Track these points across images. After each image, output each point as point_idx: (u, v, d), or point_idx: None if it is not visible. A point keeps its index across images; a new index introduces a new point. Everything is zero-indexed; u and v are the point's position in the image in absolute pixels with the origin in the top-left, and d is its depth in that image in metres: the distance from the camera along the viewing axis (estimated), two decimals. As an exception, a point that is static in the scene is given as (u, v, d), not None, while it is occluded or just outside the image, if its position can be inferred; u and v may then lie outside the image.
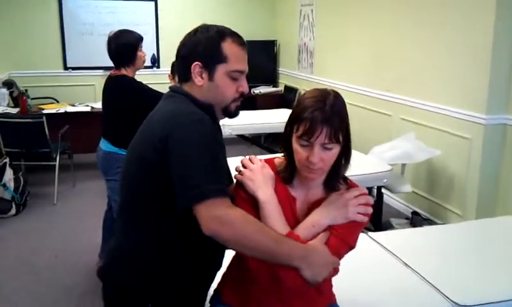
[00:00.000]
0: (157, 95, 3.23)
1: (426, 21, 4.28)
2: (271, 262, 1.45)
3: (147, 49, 3.34)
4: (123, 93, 3.20)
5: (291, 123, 1.49)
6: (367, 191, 1.56)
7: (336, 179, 1.56)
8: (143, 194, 1.53)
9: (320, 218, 1.51)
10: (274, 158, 1.64)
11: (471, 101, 3.82)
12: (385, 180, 3.79)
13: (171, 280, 1.56)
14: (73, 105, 6.05)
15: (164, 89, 3.18)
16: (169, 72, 3.45)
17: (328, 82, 6.02)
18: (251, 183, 1.52)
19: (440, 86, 4.17)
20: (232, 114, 1.63)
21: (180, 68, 1.62)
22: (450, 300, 1.95)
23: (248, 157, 1.63)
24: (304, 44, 6.68)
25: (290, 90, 7.17)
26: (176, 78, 3.25)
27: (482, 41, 3.67)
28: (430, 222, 4.24)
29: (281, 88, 7.51)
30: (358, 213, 1.50)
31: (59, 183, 5.07)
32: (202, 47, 1.55)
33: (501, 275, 2.18)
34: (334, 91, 1.49)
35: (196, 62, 1.54)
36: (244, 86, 1.60)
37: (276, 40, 7.60)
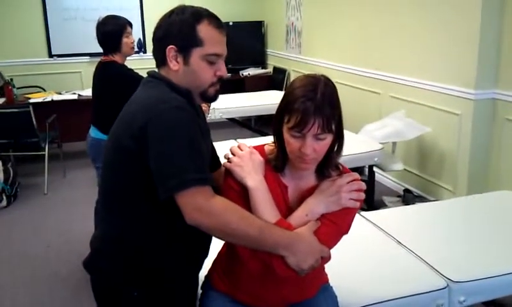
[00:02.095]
0: None
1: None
2: (257, 249, 1.44)
3: (133, 34, 3.29)
4: (111, 80, 3.16)
5: (281, 112, 1.45)
6: (359, 176, 1.55)
7: (328, 167, 1.53)
8: (124, 182, 1.50)
9: (313, 207, 1.49)
10: (264, 145, 1.61)
11: (460, 76, 3.82)
12: (376, 159, 3.80)
13: (155, 267, 1.55)
14: (60, 93, 5.97)
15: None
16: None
17: (317, 62, 6.00)
18: (239, 169, 1.50)
19: (428, 63, 4.16)
20: (211, 99, 1.59)
21: (156, 52, 1.57)
22: (446, 277, 1.97)
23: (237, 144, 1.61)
24: (292, 24, 6.62)
25: (279, 71, 7.12)
26: None
27: (470, 16, 3.65)
28: (422, 199, 4.26)
29: (270, 69, 7.46)
30: (351, 199, 1.49)
31: (49, 173, 5.01)
32: (177, 29, 1.50)
33: (494, 250, 2.19)
34: (324, 77, 1.45)
35: (171, 46, 1.50)
36: (221, 70, 1.55)
37: (263, 21, 7.53)
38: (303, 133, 1.39)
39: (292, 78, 6.83)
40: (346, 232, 1.54)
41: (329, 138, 1.43)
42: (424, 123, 4.08)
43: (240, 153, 1.53)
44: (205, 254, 1.66)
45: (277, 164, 1.53)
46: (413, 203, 4.13)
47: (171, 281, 1.58)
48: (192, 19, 1.50)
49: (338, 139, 1.48)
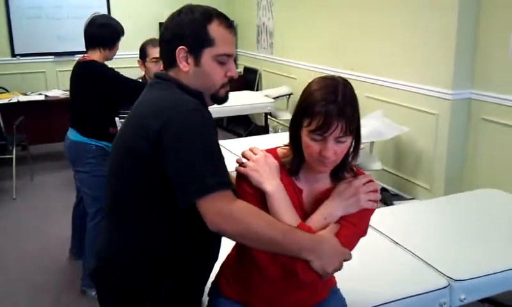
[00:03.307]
0: (130, 83, 3.13)
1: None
2: (279, 254, 1.40)
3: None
4: (92, 79, 3.06)
5: (300, 116, 1.41)
6: (372, 177, 1.54)
7: (344, 169, 1.50)
8: (136, 189, 1.44)
9: (332, 209, 1.46)
10: (276, 148, 1.57)
11: (437, 77, 3.89)
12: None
13: (168, 276, 1.50)
14: (26, 94, 5.76)
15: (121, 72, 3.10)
16: (138, 57, 3.32)
17: (289, 62, 6.02)
18: (256, 174, 1.44)
19: (405, 63, 4.22)
20: (221, 100, 1.55)
21: (164, 53, 1.52)
22: (447, 276, 1.98)
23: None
24: (263, 24, 6.61)
25: (251, 71, 7.10)
26: (150, 64, 3.13)
27: (447, 17, 3.72)
28: (399, 197, 4.33)
29: (240, 70, 7.42)
30: (369, 200, 1.47)
31: (16, 177, 4.82)
32: (187, 29, 1.46)
33: (488, 247, 2.22)
34: (342, 79, 1.43)
35: (181, 47, 1.45)
36: (232, 70, 1.52)
37: (233, 21, 7.43)
38: (325, 136, 1.36)
39: (263, 78, 6.82)
40: (364, 234, 1.53)
41: (348, 140, 1.41)
42: (401, 123, 4.14)
43: (254, 157, 1.48)
44: (216, 259, 1.62)
45: (292, 167, 1.50)
46: (391, 202, 4.19)
47: (185, 289, 1.54)
48: (203, 19, 1.46)
49: (356, 141, 1.47)
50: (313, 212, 1.49)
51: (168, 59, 1.50)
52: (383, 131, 4.07)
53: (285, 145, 1.55)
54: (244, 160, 1.51)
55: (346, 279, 1.84)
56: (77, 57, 6.54)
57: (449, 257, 2.14)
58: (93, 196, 3.12)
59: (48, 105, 5.56)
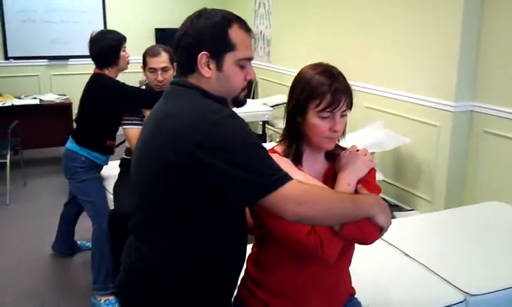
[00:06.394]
0: (146, 93, 3.10)
1: (393, 8, 4.31)
2: (349, 221, 1.43)
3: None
4: (102, 90, 3.09)
5: (305, 101, 1.51)
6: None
7: (336, 145, 1.62)
8: (172, 202, 1.40)
9: (349, 177, 1.54)
10: (273, 147, 1.64)
11: (440, 89, 3.88)
12: (360, 169, 3.79)
13: (204, 290, 1.48)
14: (19, 98, 5.69)
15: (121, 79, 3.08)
16: (142, 64, 3.27)
17: (287, 71, 5.99)
18: None
19: (407, 74, 4.21)
20: (241, 103, 1.56)
21: (183, 59, 1.48)
22: (462, 291, 1.96)
23: None
24: (261, 32, 6.59)
25: (247, 79, 7.05)
26: (148, 73, 3.11)
27: (451, 29, 3.72)
28: (399, 208, 4.31)
29: (236, 77, 7.38)
30: (370, 160, 1.61)
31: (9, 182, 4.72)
32: (208, 35, 1.43)
33: (501, 261, 2.21)
34: (325, 63, 1.59)
35: (203, 52, 1.43)
36: (251, 74, 1.53)
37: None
38: (334, 113, 1.49)
39: (260, 87, 6.79)
40: (381, 190, 1.63)
41: (347, 115, 1.54)
42: (402, 134, 4.12)
43: None
44: (243, 266, 1.63)
45: (296, 156, 1.57)
46: (392, 213, 4.16)
47: (218, 300, 1.54)
48: (223, 23, 1.45)
49: None
50: None
51: (188, 65, 1.47)
52: (383, 142, 4.05)
53: (277, 142, 1.65)
54: None
55: (363, 293, 1.82)
56: (71, 61, 6.62)
57: (463, 271, 2.12)
58: (90, 202, 3.15)
59: (43, 109, 5.49)
